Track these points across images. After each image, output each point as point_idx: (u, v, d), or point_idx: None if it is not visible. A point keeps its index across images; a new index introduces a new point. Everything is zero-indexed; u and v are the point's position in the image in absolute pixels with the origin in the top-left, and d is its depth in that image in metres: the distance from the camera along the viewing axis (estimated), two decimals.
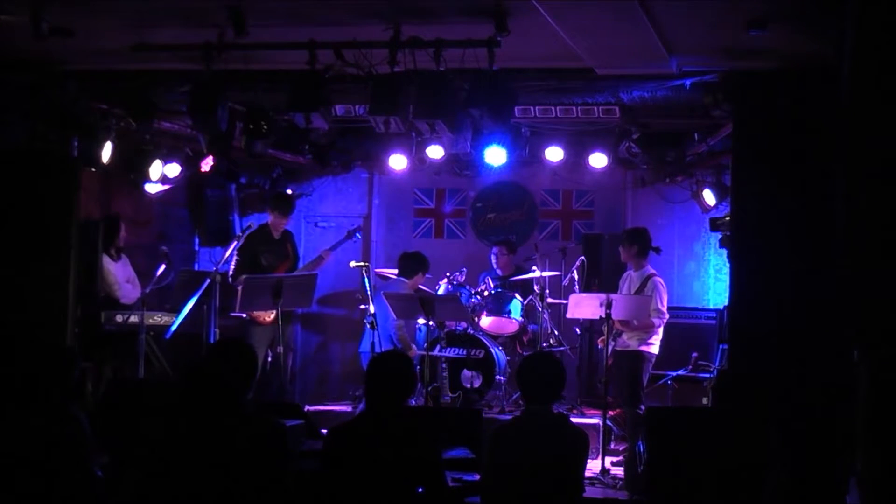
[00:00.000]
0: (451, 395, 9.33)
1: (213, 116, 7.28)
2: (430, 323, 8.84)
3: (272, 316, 8.95)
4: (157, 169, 9.30)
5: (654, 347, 8.57)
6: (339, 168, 11.27)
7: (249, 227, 9.52)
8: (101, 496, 5.20)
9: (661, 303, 8.52)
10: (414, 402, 8.44)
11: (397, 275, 9.80)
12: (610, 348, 8.56)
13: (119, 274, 9.33)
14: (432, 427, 5.26)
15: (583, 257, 9.94)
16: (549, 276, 9.83)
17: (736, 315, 7.46)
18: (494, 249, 10.41)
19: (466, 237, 11.51)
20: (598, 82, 7.86)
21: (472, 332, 9.65)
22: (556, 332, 9.84)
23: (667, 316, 8.58)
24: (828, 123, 5.66)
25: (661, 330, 8.58)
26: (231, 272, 9.34)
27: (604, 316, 8.22)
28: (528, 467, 5.09)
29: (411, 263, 9.72)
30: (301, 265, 9.92)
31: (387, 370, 4.94)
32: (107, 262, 9.18)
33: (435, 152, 9.21)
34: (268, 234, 9.58)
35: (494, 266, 10.31)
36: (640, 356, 8.51)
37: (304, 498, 4.97)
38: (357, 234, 10.14)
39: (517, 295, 9.76)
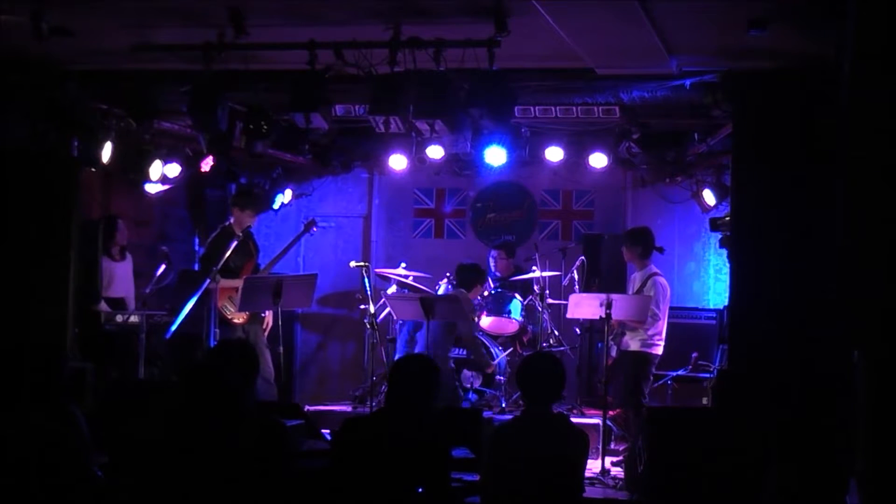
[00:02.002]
0: None
1: (213, 116, 7.29)
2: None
3: (244, 317, 8.94)
4: (157, 169, 9.29)
5: (658, 349, 8.53)
6: (339, 168, 11.26)
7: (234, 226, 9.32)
8: (100, 496, 5.19)
9: (657, 304, 8.45)
10: None
11: (455, 285, 9.58)
12: (613, 349, 8.55)
13: (119, 274, 9.32)
14: (447, 430, 5.28)
15: (583, 257, 9.93)
16: (549, 276, 9.82)
17: (736, 315, 7.45)
18: (493, 253, 10.38)
19: (466, 237, 11.50)
20: (598, 82, 7.86)
21: None
22: (556, 332, 9.83)
23: (661, 319, 8.49)
24: (827, 123, 5.66)
25: (664, 331, 8.56)
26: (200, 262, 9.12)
27: (604, 316, 8.21)
28: (528, 467, 5.08)
29: (470, 275, 9.55)
30: (262, 262, 9.63)
31: (411, 372, 5.02)
32: (106, 262, 9.18)
33: (435, 152, 9.20)
34: (232, 234, 9.06)
35: (493, 269, 10.29)
36: (642, 357, 8.49)
37: (305, 498, 4.97)
38: (314, 227, 9.73)
39: (517, 295, 9.74)
